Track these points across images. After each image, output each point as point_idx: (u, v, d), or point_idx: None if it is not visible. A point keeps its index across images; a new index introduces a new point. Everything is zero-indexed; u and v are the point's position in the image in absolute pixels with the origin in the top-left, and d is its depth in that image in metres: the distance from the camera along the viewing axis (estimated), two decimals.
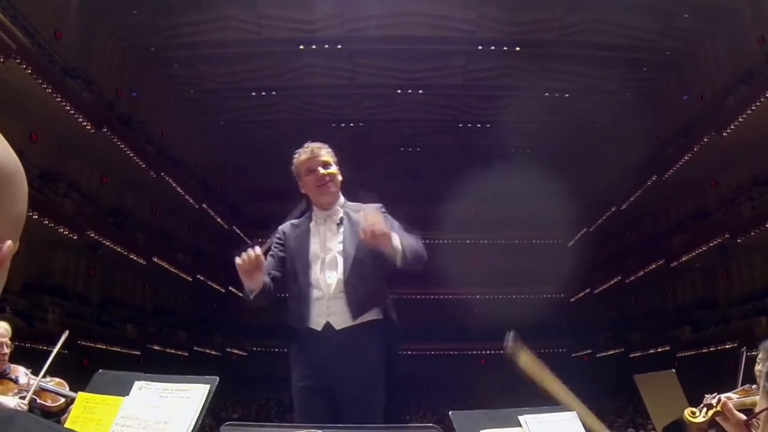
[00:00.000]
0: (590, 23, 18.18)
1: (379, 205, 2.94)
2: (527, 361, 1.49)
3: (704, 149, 17.31)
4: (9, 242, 0.70)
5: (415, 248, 2.75)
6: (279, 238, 2.93)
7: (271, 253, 2.89)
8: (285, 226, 2.97)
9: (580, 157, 26.64)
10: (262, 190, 27.49)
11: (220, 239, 25.78)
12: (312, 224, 2.91)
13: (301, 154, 2.93)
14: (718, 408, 2.46)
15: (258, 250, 2.60)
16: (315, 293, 2.79)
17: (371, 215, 2.65)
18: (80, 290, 17.99)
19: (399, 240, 2.69)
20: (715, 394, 2.82)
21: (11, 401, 2.94)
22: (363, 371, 2.72)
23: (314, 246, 2.86)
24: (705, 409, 2.60)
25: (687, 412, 2.65)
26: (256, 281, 2.65)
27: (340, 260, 2.82)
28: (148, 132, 19.46)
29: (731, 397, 2.74)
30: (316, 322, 2.77)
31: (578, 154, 26.69)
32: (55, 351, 3.15)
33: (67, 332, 3.29)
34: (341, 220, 2.89)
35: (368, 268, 2.80)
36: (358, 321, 2.76)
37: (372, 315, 2.80)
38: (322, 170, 2.86)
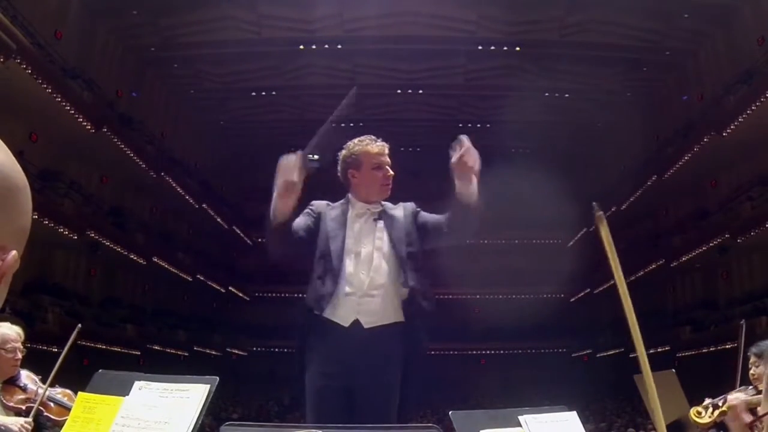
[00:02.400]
0: (590, 23, 18.19)
1: (413, 203, 2.94)
2: (606, 236, 1.49)
3: (704, 149, 17.31)
4: (14, 252, 0.71)
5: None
6: (312, 210, 2.84)
7: (302, 214, 2.82)
8: (319, 204, 2.88)
9: (580, 157, 26.65)
10: (262, 190, 27.19)
11: (220, 239, 25.82)
12: (349, 215, 2.83)
13: (370, 144, 2.85)
14: (725, 408, 2.45)
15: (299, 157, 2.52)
16: (347, 288, 2.71)
17: (472, 152, 2.60)
18: (80, 290, 18.00)
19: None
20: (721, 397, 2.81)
21: (16, 423, 2.87)
22: (386, 373, 2.66)
23: (349, 238, 2.78)
24: (711, 409, 2.59)
25: (693, 412, 2.63)
26: (290, 199, 2.55)
27: (378, 258, 2.75)
28: (148, 132, 19.47)
29: (738, 397, 2.74)
30: (345, 317, 2.69)
31: (578, 154, 26.70)
32: (62, 356, 3.10)
33: (79, 326, 3.23)
34: (379, 215, 2.83)
35: (407, 271, 2.76)
36: (387, 322, 2.71)
37: (399, 317, 2.74)
38: (390, 170, 2.83)
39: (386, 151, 2.87)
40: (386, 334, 2.70)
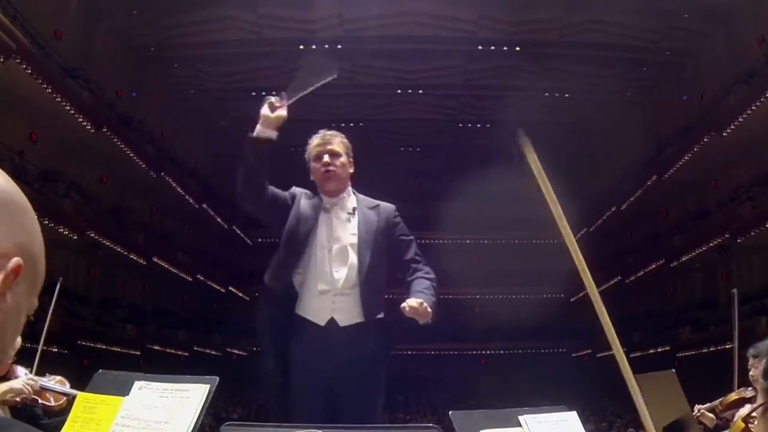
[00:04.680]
0: (590, 23, 18.19)
1: (394, 207, 2.89)
2: (534, 162, 1.44)
3: (704, 149, 17.32)
4: (17, 258, 0.69)
5: (435, 301, 2.68)
6: (290, 191, 2.83)
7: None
8: (299, 191, 2.86)
9: (580, 157, 26.62)
10: None
11: (220, 239, 25.81)
12: (320, 208, 2.79)
13: (313, 140, 2.86)
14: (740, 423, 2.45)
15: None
16: (320, 286, 2.67)
17: (422, 310, 2.53)
18: (80, 290, 17.99)
19: (431, 304, 2.61)
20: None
21: (18, 382, 2.95)
22: (366, 371, 2.64)
23: (321, 233, 2.74)
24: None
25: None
26: (275, 124, 2.71)
27: (352, 255, 2.71)
28: (148, 132, 19.47)
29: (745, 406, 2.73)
30: (320, 316, 2.66)
31: (578, 154, 26.67)
32: (43, 339, 3.12)
33: (60, 279, 3.25)
34: (353, 210, 2.80)
35: (381, 269, 2.75)
36: (364, 320, 2.68)
37: (377, 314, 2.72)
38: (327, 158, 2.77)
39: (330, 140, 2.83)
40: (362, 332, 2.67)
